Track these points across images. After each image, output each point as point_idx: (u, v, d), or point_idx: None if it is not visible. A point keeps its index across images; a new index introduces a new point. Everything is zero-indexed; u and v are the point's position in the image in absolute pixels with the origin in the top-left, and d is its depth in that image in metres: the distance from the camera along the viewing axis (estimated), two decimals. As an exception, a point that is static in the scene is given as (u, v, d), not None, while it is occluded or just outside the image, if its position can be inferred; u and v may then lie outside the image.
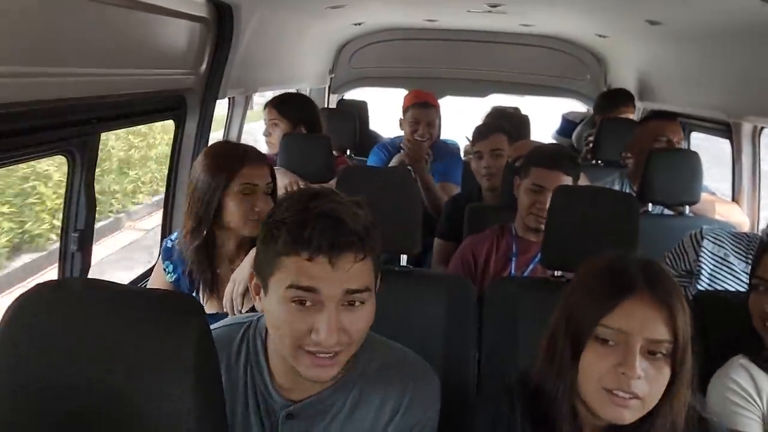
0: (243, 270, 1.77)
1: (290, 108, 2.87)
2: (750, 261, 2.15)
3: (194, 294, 1.91)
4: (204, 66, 2.44)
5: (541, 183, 2.22)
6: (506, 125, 3.11)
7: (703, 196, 2.70)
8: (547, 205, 2.07)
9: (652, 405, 1.15)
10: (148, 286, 2.06)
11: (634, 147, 2.80)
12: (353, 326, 1.13)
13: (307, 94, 3.99)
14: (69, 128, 1.79)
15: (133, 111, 2.15)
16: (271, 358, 1.24)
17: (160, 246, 2.55)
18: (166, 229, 2.58)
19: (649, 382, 1.13)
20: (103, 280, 0.92)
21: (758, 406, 1.44)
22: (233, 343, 1.26)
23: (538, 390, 1.23)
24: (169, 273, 1.95)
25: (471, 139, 3.00)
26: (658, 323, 1.13)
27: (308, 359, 1.13)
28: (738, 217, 2.84)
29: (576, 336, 1.17)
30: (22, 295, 0.84)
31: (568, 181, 2.24)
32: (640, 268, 1.18)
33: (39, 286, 0.86)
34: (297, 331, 1.11)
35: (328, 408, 1.23)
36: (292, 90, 4.01)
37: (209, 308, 1.87)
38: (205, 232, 1.83)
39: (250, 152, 1.86)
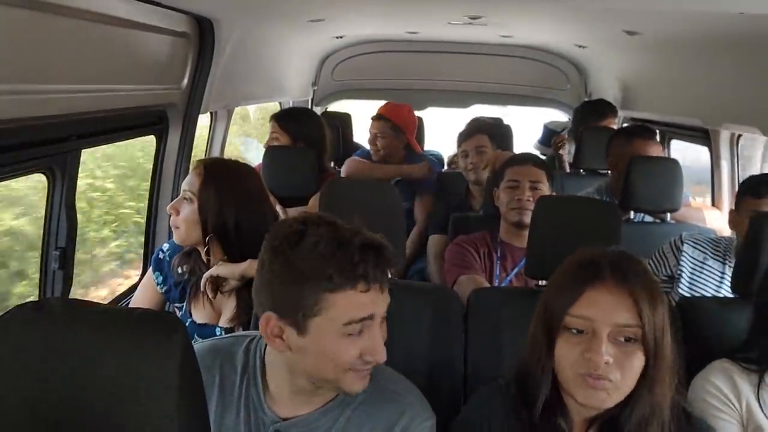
0: (228, 267, 1.80)
1: (291, 123, 2.87)
2: (728, 262, 2.19)
3: (184, 304, 1.91)
4: (185, 81, 2.44)
5: (515, 177, 2.39)
6: (487, 126, 3.31)
7: (684, 202, 2.74)
8: (525, 195, 2.31)
9: (627, 390, 1.19)
10: (135, 297, 2.05)
11: (617, 163, 2.82)
12: (385, 336, 1.21)
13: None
14: (49, 146, 1.78)
15: (114, 127, 2.14)
16: (269, 374, 1.26)
17: (144, 259, 2.55)
18: (149, 244, 2.56)
19: (620, 367, 1.17)
20: (84, 300, 0.92)
21: (736, 409, 1.44)
22: (236, 354, 1.30)
23: (525, 383, 1.27)
24: (159, 284, 1.95)
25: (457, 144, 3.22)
26: (622, 309, 1.18)
27: (355, 376, 1.18)
28: (718, 223, 2.87)
29: (549, 328, 1.22)
30: (1, 316, 0.83)
31: (540, 175, 2.39)
32: (608, 258, 1.22)
33: (19, 307, 0.85)
34: (351, 357, 1.16)
35: (314, 429, 1.25)
36: (275, 103, 4.03)
37: (199, 318, 1.87)
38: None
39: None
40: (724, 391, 1.45)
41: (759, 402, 1.44)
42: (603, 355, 1.15)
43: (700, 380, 1.48)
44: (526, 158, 2.52)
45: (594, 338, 1.17)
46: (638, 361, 1.18)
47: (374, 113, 3.54)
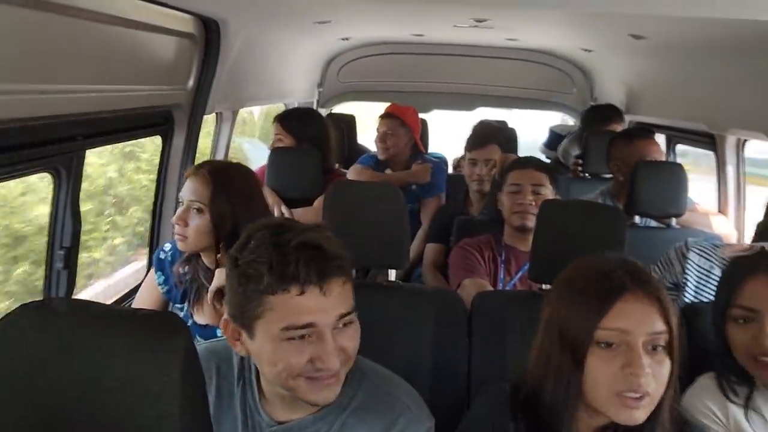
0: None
1: (295, 124, 2.87)
2: None
3: (185, 305, 1.91)
4: (191, 82, 2.44)
5: (517, 181, 2.37)
6: (500, 136, 3.26)
7: (689, 207, 2.73)
8: (527, 200, 2.28)
9: (657, 399, 1.17)
10: (137, 298, 2.05)
11: (622, 166, 2.81)
12: (349, 344, 1.17)
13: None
14: (54, 145, 1.78)
15: (119, 127, 2.14)
16: (262, 381, 1.26)
17: (149, 259, 2.56)
18: (153, 244, 2.56)
19: (654, 377, 1.15)
20: (88, 300, 0.92)
21: (725, 426, 1.42)
22: (233, 357, 1.30)
23: (536, 401, 1.23)
24: (160, 284, 1.95)
25: (466, 146, 3.13)
26: (654, 316, 1.16)
27: (311, 384, 1.15)
28: (725, 229, 2.86)
29: (575, 344, 1.18)
30: (6, 315, 0.84)
31: (542, 178, 2.37)
32: (624, 267, 1.21)
33: (24, 306, 0.85)
34: (297, 364, 1.13)
35: None
36: (281, 104, 4.03)
37: (201, 319, 1.88)
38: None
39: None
40: (713, 409, 1.43)
41: (747, 418, 1.42)
42: (645, 368, 1.13)
43: (689, 398, 1.45)
44: (528, 162, 2.49)
45: (631, 351, 1.14)
46: (667, 368, 1.16)
47: (379, 114, 3.54)
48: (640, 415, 1.15)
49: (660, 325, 1.16)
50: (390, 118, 3.41)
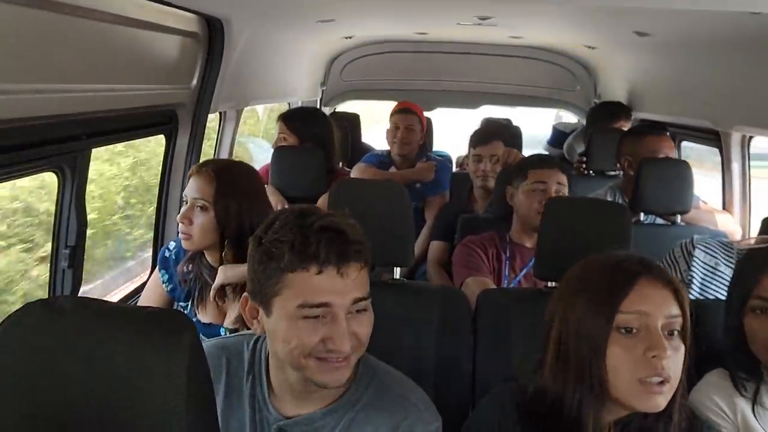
0: (233, 269, 1.79)
1: (299, 123, 2.87)
2: None
3: (190, 303, 1.91)
4: (195, 81, 2.45)
5: (543, 179, 2.35)
6: (505, 133, 3.30)
7: (694, 205, 2.72)
8: None
9: (676, 385, 1.17)
10: (142, 296, 2.05)
11: (633, 162, 2.79)
12: (361, 330, 1.19)
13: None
14: (58, 144, 1.78)
15: (123, 127, 2.14)
16: (272, 373, 1.27)
17: (153, 258, 2.56)
18: (158, 243, 2.57)
19: (674, 363, 1.16)
20: (94, 298, 0.92)
21: (732, 422, 1.41)
22: (243, 352, 1.31)
23: (554, 403, 1.22)
24: (165, 282, 1.96)
25: (470, 143, 3.13)
26: (669, 300, 1.18)
27: (321, 365, 1.16)
28: (730, 226, 2.85)
29: (596, 334, 1.18)
30: (11, 314, 0.83)
31: (564, 178, 2.38)
32: (634, 259, 1.22)
33: (29, 305, 0.85)
34: (310, 343, 1.15)
35: (318, 429, 1.25)
36: (285, 103, 4.04)
37: (205, 318, 1.88)
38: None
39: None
40: (720, 405, 1.43)
41: (755, 414, 1.42)
42: (667, 350, 1.13)
43: (696, 394, 1.45)
44: (554, 161, 2.49)
45: (651, 334, 1.15)
46: (682, 355, 1.17)
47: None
48: (661, 402, 1.16)
49: (676, 309, 1.17)
50: (409, 113, 3.41)
